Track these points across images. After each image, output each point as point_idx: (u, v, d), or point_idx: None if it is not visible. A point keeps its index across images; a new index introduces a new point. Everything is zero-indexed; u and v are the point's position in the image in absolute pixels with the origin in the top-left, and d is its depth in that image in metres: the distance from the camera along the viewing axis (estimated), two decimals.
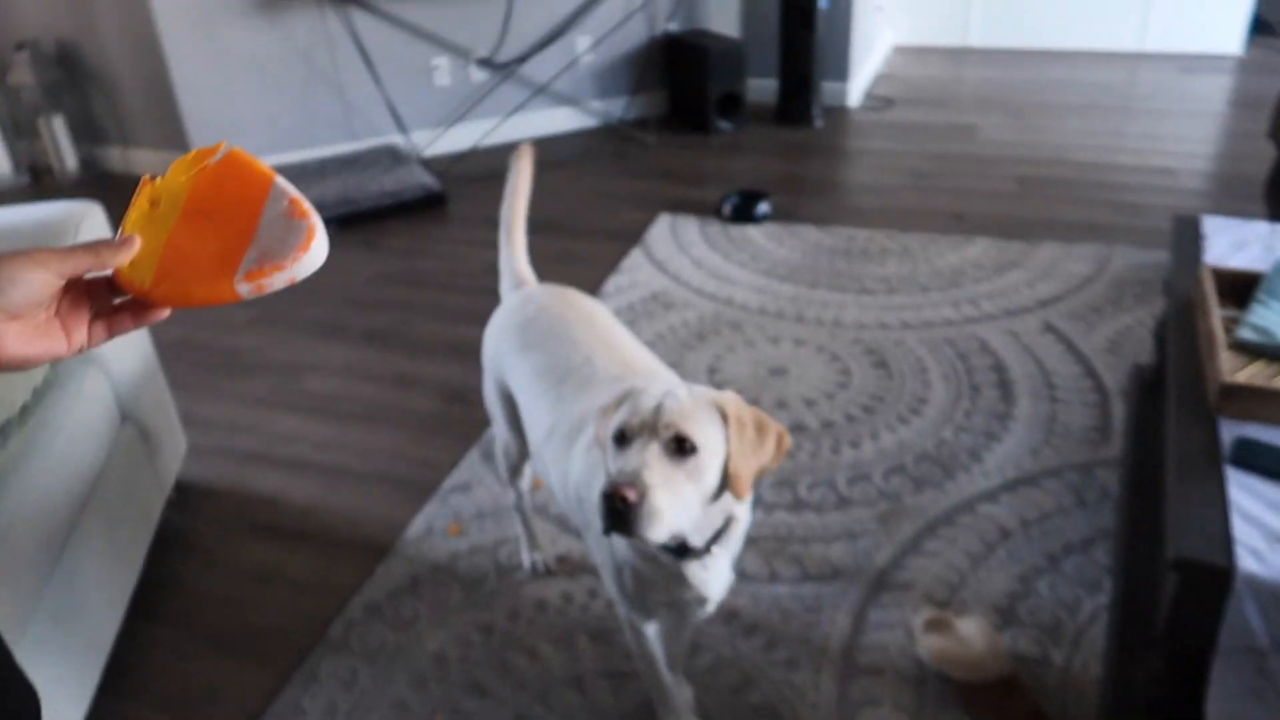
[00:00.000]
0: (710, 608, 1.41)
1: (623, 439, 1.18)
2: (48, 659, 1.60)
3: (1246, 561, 1.23)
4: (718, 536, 1.28)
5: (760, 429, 1.19)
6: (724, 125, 4.80)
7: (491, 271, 2.01)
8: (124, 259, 0.74)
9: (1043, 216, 3.65)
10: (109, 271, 0.76)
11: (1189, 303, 1.86)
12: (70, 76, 4.57)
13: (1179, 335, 1.77)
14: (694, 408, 1.16)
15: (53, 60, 4.50)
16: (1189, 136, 4.43)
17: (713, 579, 1.35)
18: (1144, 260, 3.21)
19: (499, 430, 1.85)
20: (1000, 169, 4.15)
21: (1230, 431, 1.48)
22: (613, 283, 3.32)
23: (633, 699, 1.75)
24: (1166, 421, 1.62)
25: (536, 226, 4.06)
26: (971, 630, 1.73)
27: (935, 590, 1.94)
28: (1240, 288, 1.82)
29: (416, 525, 2.23)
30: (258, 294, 0.75)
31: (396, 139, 4.60)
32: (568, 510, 1.55)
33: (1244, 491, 1.36)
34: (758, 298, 3.15)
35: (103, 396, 1.96)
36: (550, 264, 3.55)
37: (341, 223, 3.97)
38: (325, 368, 2.96)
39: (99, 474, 1.87)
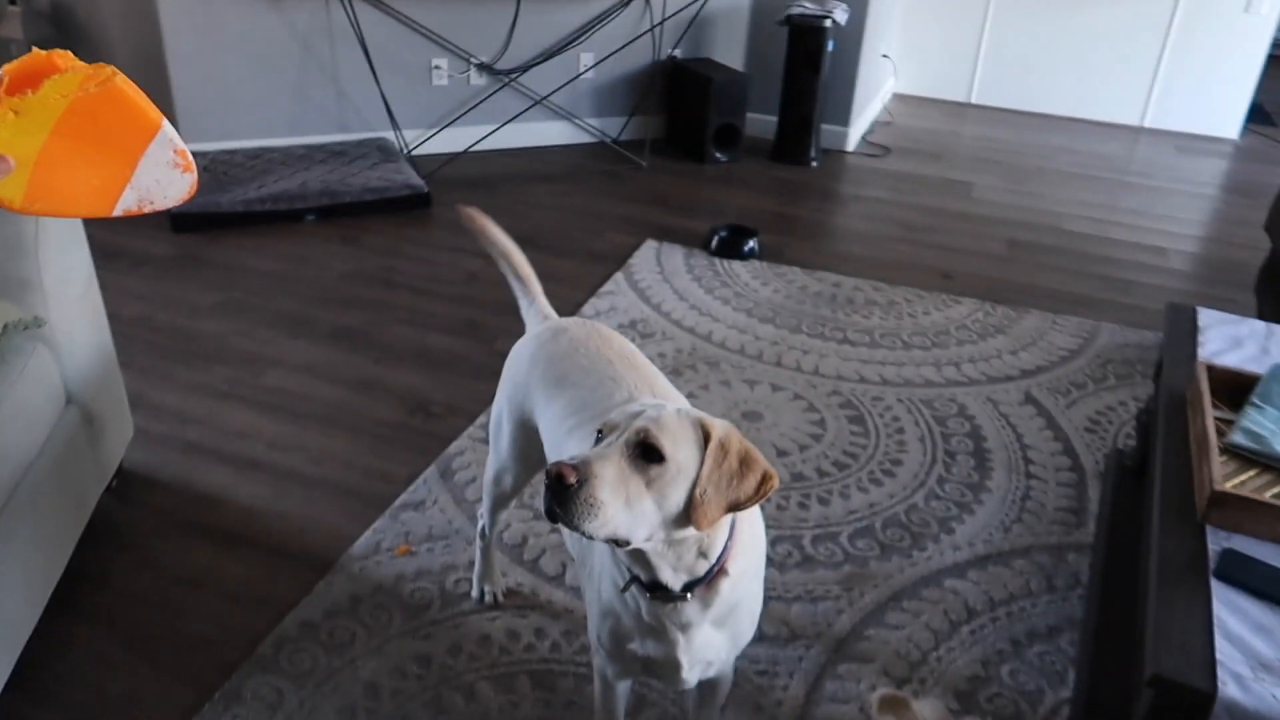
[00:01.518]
0: (687, 677, 1.32)
1: (600, 438, 1.12)
2: None
3: (1229, 688, 1.18)
4: (696, 583, 1.19)
5: (745, 463, 1.11)
6: (720, 156, 4.75)
7: (470, 281, 1.94)
8: None
9: (1031, 283, 3.62)
10: None
11: (1181, 399, 1.82)
12: (61, 36, 4.43)
13: (1169, 432, 1.72)
14: (674, 421, 1.10)
15: (46, 17, 4.37)
16: (1182, 217, 4.44)
17: (694, 643, 1.27)
18: (1130, 339, 3.19)
19: (499, 459, 1.75)
20: (992, 230, 4.13)
21: (1217, 541, 1.43)
22: (591, 306, 3.24)
23: None
24: (1149, 523, 1.56)
25: (519, 239, 3.98)
26: (928, 715, 1.67)
27: (894, 666, 1.87)
28: (1235, 389, 1.78)
29: (364, 541, 2.14)
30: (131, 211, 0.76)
31: (387, 135, 4.51)
32: (572, 545, 1.49)
33: (1229, 609, 1.31)
34: (738, 337, 3.09)
35: (49, 377, 1.85)
36: None
37: (322, 214, 3.87)
38: (287, 363, 2.86)
39: (35, 456, 1.76)
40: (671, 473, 1.08)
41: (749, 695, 1.79)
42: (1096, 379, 2.93)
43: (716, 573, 1.19)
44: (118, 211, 0.75)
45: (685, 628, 1.23)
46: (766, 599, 1.99)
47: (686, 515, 1.09)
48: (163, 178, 0.77)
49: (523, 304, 1.84)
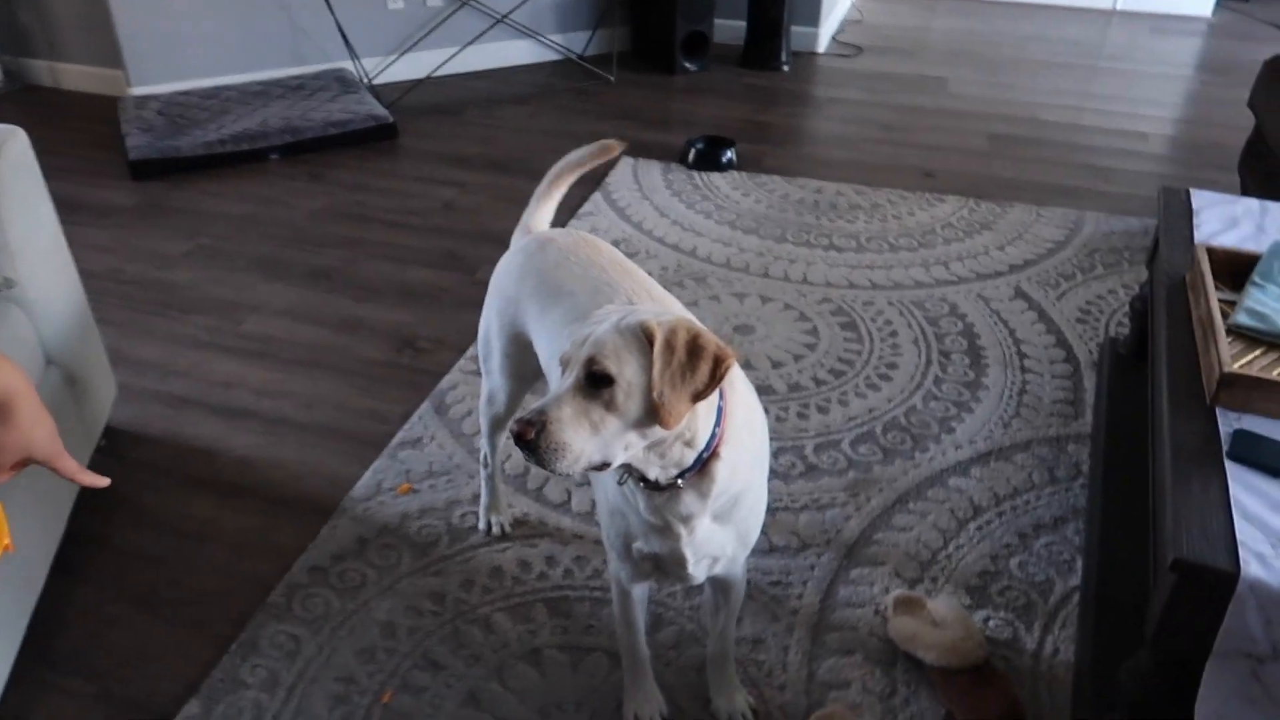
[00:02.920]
0: (694, 572, 1.31)
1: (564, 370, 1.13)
2: None
3: (1251, 566, 1.18)
4: (687, 472, 1.18)
5: (693, 353, 1.10)
6: (689, 66, 4.62)
7: (446, 211, 1.88)
8: None
9: (1014, 177, 3.58)
10: None
11: (1180, 282, 1.80)
12: None
13: (1171, 317, 1.71)
14: (614, 339, 1.10)
15: None
16: (1160, 100, 4.39)
17: (697, 536, 1.26)
18: (1115, 227, 3.17)
19: (490, 378, 1.73)
20: (970, 125, 4.06)
21: (1227, 423, 1.43)
22: (571, 228, 3.17)
23: (593, 675, 1.68)
24: (1157, 409, 1.56)
25: (491, 165, 3.89)
26: (944, 613, 1.69)
27: (905, 567, 1.89)
28: (1234, 269, 1.77)
29: (364, 483, 2.11)
30: None
31: (346, 65, 4.35)
32: None
33: (1245, 489, 1.31)
34: (723, 250, 3.04)
35: (26, 340, 1.79)
36: (504, 205, 3.41)
37: (286, 152, 3.74)
38: (266, 308, 2.79)
39: None
40: (624, 390, 1.08)
41: (765, 605, 1.80)
42: (1085, 269, 2.92)
43: (708, 458, 1.18)
44: None
45: (686, 520, 1.23)
46: (774, 509, 2.00)
47: (652, 418, 1.09)
48: None
49: (530, 207, 1.78)
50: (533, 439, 1.05)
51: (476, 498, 2.04)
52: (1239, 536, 1.23)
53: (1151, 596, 1.34)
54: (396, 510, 2.03)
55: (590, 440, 1.07)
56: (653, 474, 1.17)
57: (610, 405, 1.08)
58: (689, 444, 1.16)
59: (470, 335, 2.60)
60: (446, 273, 2.97)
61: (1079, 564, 1.88)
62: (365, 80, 4.33)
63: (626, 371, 1.08)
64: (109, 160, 3.67)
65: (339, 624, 1.78)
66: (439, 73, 4.45)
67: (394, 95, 4.24)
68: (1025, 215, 3.25)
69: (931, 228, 3.18)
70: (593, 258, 1.53)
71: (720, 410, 1.19)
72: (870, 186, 3.47)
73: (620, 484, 1.24)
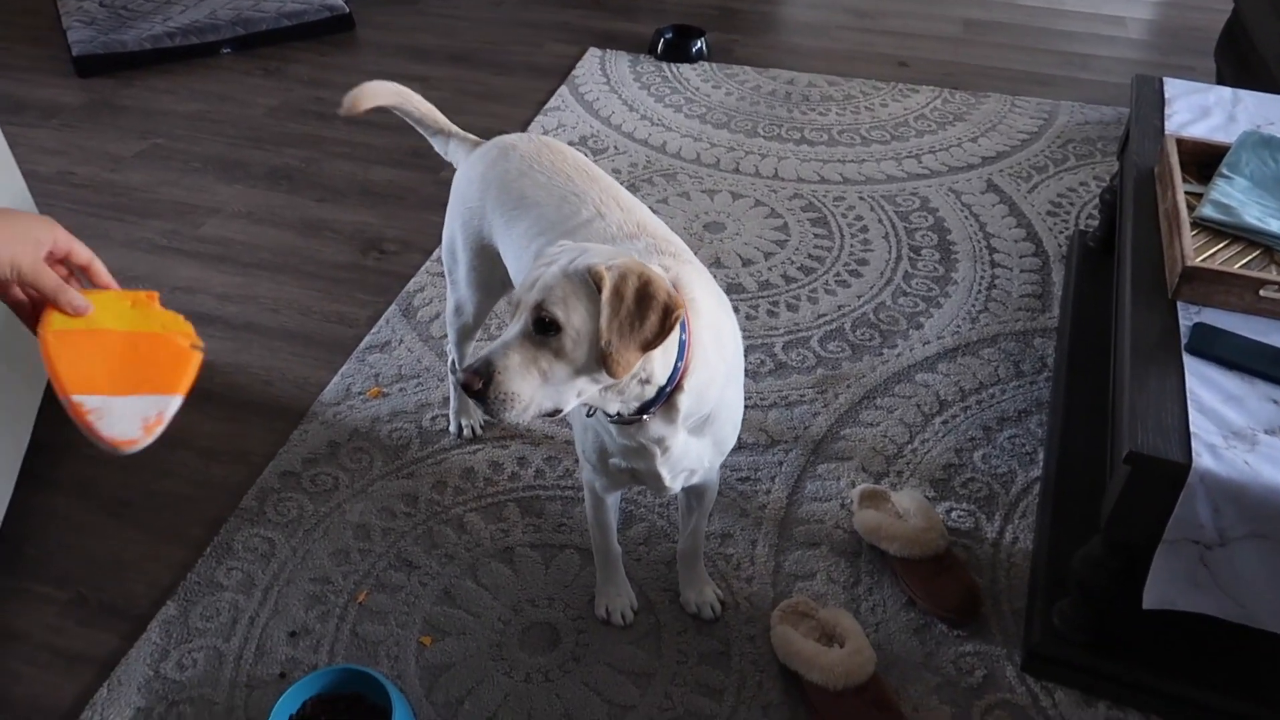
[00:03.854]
0: (670, 485, 1.33)
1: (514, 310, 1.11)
2: None
3: (1202, 458, 1.21)
4: (651, 404, 1.18)
5: (642, 302, 1.06)
6: None
7: None
8: (71, 309, 0.82)
9: (989, 64, 3.51)
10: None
11: (1149, 174, 1.79)
12: None
13: (1137, 210, 1.70)
14: (562, 284, 1.07)
15: None
16: None
17: (672, 454, 1.27)
18: (1089, 116, 3.13)
19: (456, 290, 1.71)
20: (946, 10, 3.96)
21: (1188, 316, 1.44)
22: (538, 124, 3.10)
23: (565, 571, 1.71)
24: (1120, 302, 1.57)
25: (453, 58, 3.76)
26: (907, 505, 1.72)
27: (871, 462, 1.92)
28: (1204, 160, 1.76)
29: (333, 387, 2.10)
30: (71, 414, 0.81)
31: None
32: None
33: (1201, 382, 1.33)
34: (693, 145, 2.98)
35: None
36: (469, 101, 3.31)
37: (238, 46, 3.59)
38: (225, 210, 2.72)
39: None
40: (572, 338, 1.05)
41: (733, 501, 1.83)
42: (1057, 160, 2.90)
43: (671, 391, 1.17)
44: (84, 398, 0.80)
45: (659, 441, 1.23)
46: (744, 407, 2.01)
47: (603, 366, 1.07)
48: (134, 409, 0.83)
49: (437, 143, 1.76)
50: (480, 389, 1.04)
51: (447, 401, 2.04)
52: (1192, 429, 1.25)
53: (1107, 486, 1.38)
54: (366, 414, 2.03)
55: (540, 388, 1.06)
56: (613, 409, 1.16)
57: (559, 353, 1.06)
58: (646, 382, 1.14)
59: (437, 236, 2.54)
60: (411, 172, 2.90)
61: (1040, 456, 1.92)
62: None
63: (574, 318, 1.05)
64: (51, 56, 3.51)
65: (312, 527, 1.79)
66: None
67: None
68: (999, 105, 3.20)
69: (904, 119, 3.12)
70: (557, 165, 1.49)
71: (683, 344, 1.15)
72: (843, 77, 3.39)
73: (589, 415, 1.23)
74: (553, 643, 1.60)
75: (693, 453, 1.30)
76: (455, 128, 1.74)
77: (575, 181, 1.46)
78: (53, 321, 0.82)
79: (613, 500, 1.51)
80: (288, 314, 2.33)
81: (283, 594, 1.67)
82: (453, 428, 1.98)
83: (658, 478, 1.30)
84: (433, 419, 2.02)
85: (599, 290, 1.06)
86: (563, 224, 1.39)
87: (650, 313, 1.06)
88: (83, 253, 0.90)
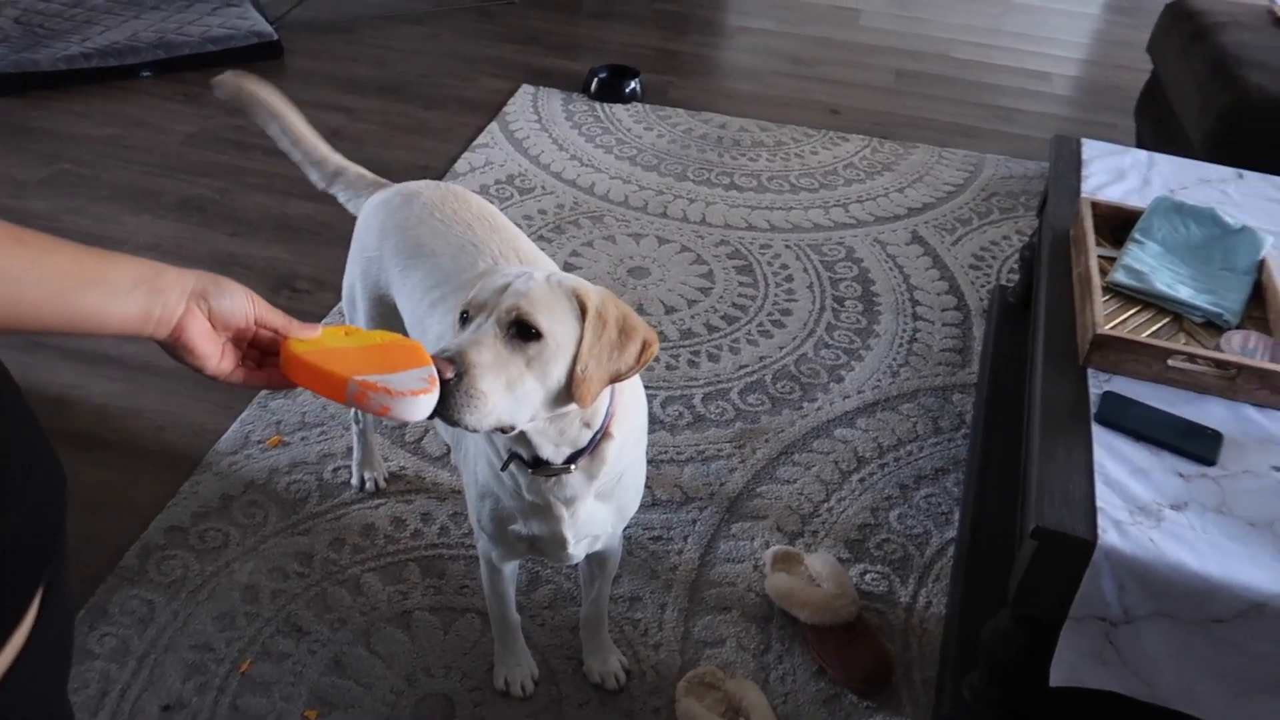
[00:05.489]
0: (573, 552, 1.26)
1: (466, 320, 1.02)
2: None
3: (1108, 535, 1.19)
4: (580, 454, 1.13)
5: (624, 331, 1.04)
6: None
7: (332, 139, 1.74)
8: (305, 335, 0.86)
9: (918, 115, 3.55)
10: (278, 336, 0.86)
11: (1065, 237, 1.79)
12: None
13: (1052, 273, 1.70)
14: (547, 292, 1.01)
15: None
16: (1064, 39, 4.39)
17: (579, 517, 1.21)
18: (1014, 170, 3.17)
19: None
20: (879, 59, 4.00)
21: (1098, 384, 1.43)
22: (465, 161, 3.04)
23: (464, 637, 1.63)
24: (1033, 368, 1.55)
25: (383, 90, 3.69)
26: (820, 568, 1.68)
27: (787, 520, 1.88)
28: (1118, 224, 1.76)
29: (231, 434, 2.00)
30: (355, 400, 0.83)
31: None
32: (445, 430, 1.42)
33: (1109, 453, 1.31)
34: (621, 187, 2.95)
35: None
36: (397, 135, 3.24)
37: (159, 69, 3.48)
38: (131, 242, 2.60)
39: None
40: (551, 349, 0.99)
41: (644, 562, 1.77)
42: (981, 214, 2.92)
43: (600, 438, 1.12)
44: (355, 381, 0.83)
45: (570, 502, 1.17)
46: (659, 462, 1.97)
47: (568, 391, 1.02)
48: (407, 382, 0.85)
49: (314, 174, 1.64)
50: (449, 379, 0.92)
51: (350, 451, 1.95)
52: (1099, 503, 1.23)
53: (1015, 559, 1.35)
54: (265, 464, 1.94)
55: (504, 397, 0.97)
56: (546, 453, 1.10)
57: (532, 363, 0.98)
58: (588, 424, 1.10)
59: None
60: (328, 206, 2.76)
61: (956, 516, 1.89)
62: None
63: (558, 330, 1.00)
64: None
65: (197, 588, 1.69)
66: None
67: (280, 10, 3.97)
68: (927, 156, 3.22)
69: (834, 168, 3.13)
70: (459, 213, 1.44)
71: (611, 391, 1.13)
72: (775, 123, 3.39)
73: (502, 469, 1.16)
74: (447, 717, 1.52)
75: (598, 518, 1.25)
76: (343, 160, 1.65)
77: (475, 231, 1.41)
78: (293, 346, 0.86)
79: (510, 569, 1.44)
80: None
81: (159, 663, 1.57)
82: (355, 480, 1.90)
83: (562, 543, 1.23)
84: (335, 470, 1.93)
85: (582, 311, 1.01)
86: (459, 275, 1.34)
87: (631, 343, 1.04)
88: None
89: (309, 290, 2.47)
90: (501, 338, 0.98)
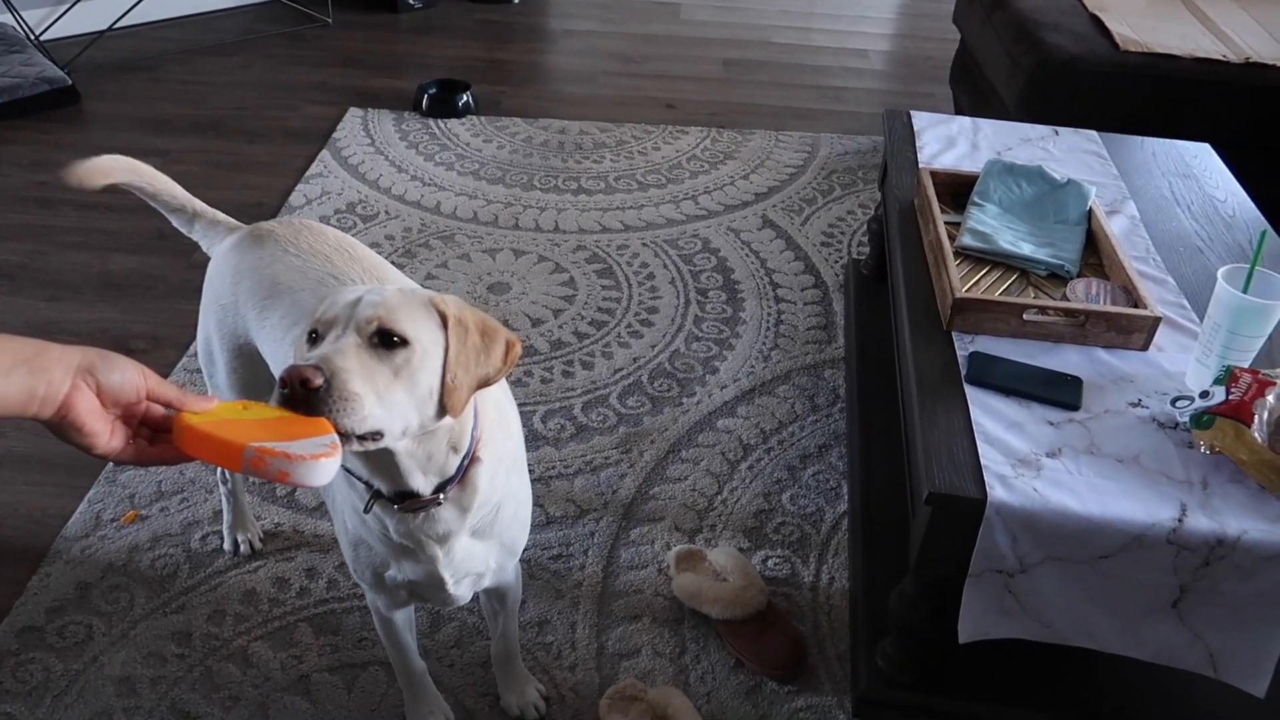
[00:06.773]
0: (455, 594, 1.20)
1: (315, 339, 0.97)
2: None
3: (995, 490, 1.23)
4: (449, 483, 1.07)
5: (486, 335, 1.03)
6: (413, 2, 4.33)
7: None
8: (200, 408, 0.84)
9: (751, 102, 3.62)
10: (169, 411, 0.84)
11: (910, 207, 1.85)
12: None
13: (904, 243, 1.75)
14: (404, 301, 0.98)
15: None
16: (876, 16, 4.58)
17: (455, 555, 1.15)
18: (849, 147, 3.27)
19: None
20: (706, 51, 4.07)
21: (963, 346, 1.48)
22: (300, 193, 2.90)
23: (370, 693, 1.55)
24: (899, 338, 1.60)
25: (199, 128, 3.49)
26: (724, 563, 1.68)
27: (684, 519, 1.87)
28: (957, 190, 1.83)
29: (79, 517, 1.84)
30: (252, 467, 0.80)
31: (3, 19, 3.72)
32: None
33: (984, 412, 1.36)
34: (469, 204, 2.88)
35: None
36: (220, 174, 3.06)
37: None
38: None
39: None
40: (419, 356, 0.95)
41: (547, 583, 1.73)
42: (824, 192, 3.00)
43: (469, 464, 1.08)
44: (251, 448, 0.81)
45: (443, 539, 1.11)
46: (548, 478, 1.93)
47: (437, 402, 0.98)
48: (307, 448, 0.83)
49: (179, 222, 1.57)
50: (319, 386, 0.87)
51: (219, 515, 1.82)
52: (983, 461, 1.27)
53: (911, 527, 1.38)
54: (123, 543, 1.79)
55: (376, 405, 0.91)
56: (416, 483, 1.04)
57: (400, 372, 0.93)
58: (454, 448, 1.06)
59: (193, 329, 2.31)
60: (158, 257, 2.63)
61: (844, 490, 1.93)
62: (31, 36, 3.73)
63: (423, 336, 0.96)
64: None
65: (63, 690, 1.54)
66: (123, 22, 3.91)
67: (71, 52, 3.68)
68: (765, 141, 3.29)
69: (677, 161, 3.15)
70: (316, 246, 1.36)
71: (475, 414, 1.09)
72: (613, 123, 3.39)
73: (366, 511, 1.10)
74: None
75: (478, 556, 1.19)
76: (202, 205, 1.56)
77: (335, 262, 1.34)
78: (187, 418, 0.83)
79: (403, 616, 1.37)
80: (16, 437, 2.03)
81: None
82: (228, 545, 1.77)
83: (440, 584, 1.17)
84: (203, 538, 1.80)
85: (443, 319, 0.99)
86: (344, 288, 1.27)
87: (495, 346, 1.03)
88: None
89: (147, 350, 2.29)
90: (365, 348, 0.93)
